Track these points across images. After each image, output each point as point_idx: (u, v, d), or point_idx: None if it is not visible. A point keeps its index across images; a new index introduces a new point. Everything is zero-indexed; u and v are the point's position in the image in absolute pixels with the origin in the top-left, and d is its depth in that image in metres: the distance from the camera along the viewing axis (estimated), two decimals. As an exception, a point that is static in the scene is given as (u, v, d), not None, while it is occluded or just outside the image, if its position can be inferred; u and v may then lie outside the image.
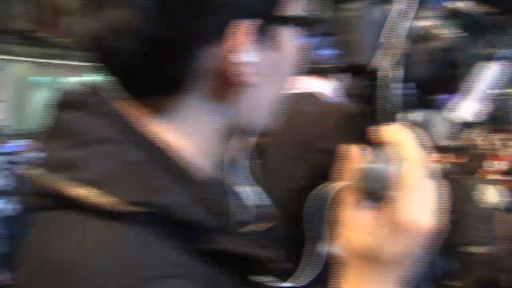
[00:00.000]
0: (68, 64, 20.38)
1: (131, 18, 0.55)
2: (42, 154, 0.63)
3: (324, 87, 1.41)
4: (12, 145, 9.59)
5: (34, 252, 0.57)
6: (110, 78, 0.63)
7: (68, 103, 0.63)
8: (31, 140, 11.47)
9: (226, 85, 0.60)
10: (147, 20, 0.55)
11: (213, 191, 0.62)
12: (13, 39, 18.18)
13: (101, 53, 0.61)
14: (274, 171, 0.87)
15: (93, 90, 0.64)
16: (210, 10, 0.56)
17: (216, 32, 0.57)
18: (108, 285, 0.49)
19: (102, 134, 0.58)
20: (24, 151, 8.92)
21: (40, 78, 24.00)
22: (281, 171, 0.98)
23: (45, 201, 0.58)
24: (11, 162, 7.67)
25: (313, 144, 1.06)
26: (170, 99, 0.60)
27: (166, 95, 0.60)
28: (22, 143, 9.73)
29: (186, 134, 0.62)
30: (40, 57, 19.06)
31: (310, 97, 1.29)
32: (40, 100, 23.55)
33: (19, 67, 18.96)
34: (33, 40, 18.71)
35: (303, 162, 1.04)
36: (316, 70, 1.37)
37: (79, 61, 20.04)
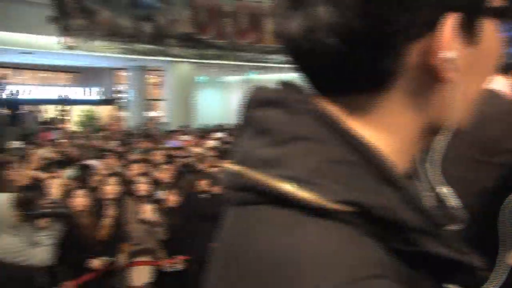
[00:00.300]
0: (227, 64, 21.40)
1: (334, 15, 0.54)
2: (236, 150, 0.63)
3: (503, 85, 1.31)
4: (175, 141, 10.27)
5: (234, 246, 0.57)
6: (304, 76, 0.62)
7: (263, 100, 0.62)
8: (193, 136, 12.11)
9: (428, 82, 0.57)
10: (351, 16, 0.53)
11: (412, 191, 0.60)
12: (175, 42, 19.43)
13: (299, 52, 0.59)
14: (455, 173, 0.82)
15: (289, 87, 0.63)
16: (418, 4, 0.54)
17: (423, 27, 0.55)
18: (318, 283, 0.49)
19: (303, 132, 0.57)
20: (186, 146, 9.50)
21: (200, 77, 25.41)
22: (463, 173, 0.92)
23: (243, 196, 0.58)
24: (174, 157, 8.19)
25: (500, 145, 0.98)
26: (371, 97, 0.58)
27: (367, 93, 0.58)
28: (184, 138, 10.39)
29: (386, 132, 0.60)
30: (200, 58, 20.17)
31: (490, 95, 1.20)
32: (200, 98, 24.91)
33: (180, 68, 20.23)
34: (194, 42, 19.84)
35: (487, 164, 0.97)
36: (507, 66, 1.27)
37: (238, 60, 20.88)
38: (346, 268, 0.50)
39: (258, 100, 0.63)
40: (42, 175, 5.69)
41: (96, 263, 4.57)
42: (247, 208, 0.57)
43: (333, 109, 0.60)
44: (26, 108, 14.89)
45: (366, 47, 0.55)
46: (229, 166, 0.61)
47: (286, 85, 0.64)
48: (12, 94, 15.58)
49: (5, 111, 13.71)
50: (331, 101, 0.60)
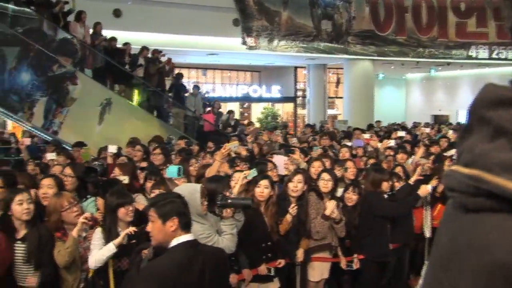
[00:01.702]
0: (407, 61, 20.89)
1: None
2: (464, 151, 0.57)
3: None
4: (358, 139, 10.26)
5: (462, 251, 0.52)
6: None
7: (499, 100, 0.55)
8: (375, 134, 11.98)
9: None
10: None
11: None
12: (355, 39, 19.35)
13: None
14: None
15: None
16: None
17: None
18: None
19: None
20: (369, 145, 9.42)
21: (379, 75, 25.03)
22: None
23: (478, 202, 0.53)
24: (357, 155, 8.16)
25: None
26: None
27: None
28: (366, 137, 10.34)
29: None
30: (380, 55, 19.89)
31: None
32: (380, 96, 24.58)
33: (360, 65, 20.13)
34: (373, 39, 19.57)
35: None
36: None
37: (419, 57, 20.15)
38: None
39: (491, 99, 0.56)
40: (228, 168, 5.94)
41: (262, 269, 4.65)
42: (481, 215, 0.52)
43: None
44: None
45: None
46: (458, 168, 0.56)
47: None
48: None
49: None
50: None
